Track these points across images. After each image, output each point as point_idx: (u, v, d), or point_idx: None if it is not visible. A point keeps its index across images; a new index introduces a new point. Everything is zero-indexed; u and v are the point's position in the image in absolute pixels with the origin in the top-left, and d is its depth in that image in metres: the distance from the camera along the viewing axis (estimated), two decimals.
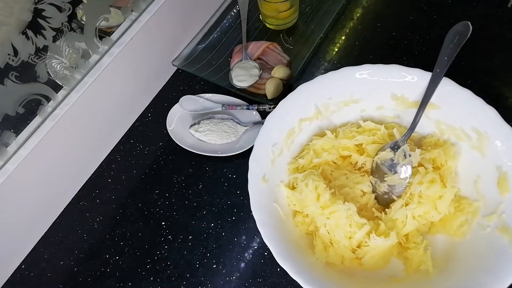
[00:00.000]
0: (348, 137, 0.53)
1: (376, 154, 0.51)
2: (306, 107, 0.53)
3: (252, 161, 0.48)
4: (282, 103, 0.51)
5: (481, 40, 0.64)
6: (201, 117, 0.64)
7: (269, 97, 0.64)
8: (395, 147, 0.50)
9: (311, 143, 0.54)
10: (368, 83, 0.52)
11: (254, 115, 0.64)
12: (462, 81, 0.48)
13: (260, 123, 0.62)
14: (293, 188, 0.51)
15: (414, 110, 0.49)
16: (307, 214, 0.49)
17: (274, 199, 0.49)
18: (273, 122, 0.50)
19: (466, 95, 0.48)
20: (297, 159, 0.53)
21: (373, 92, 0.52)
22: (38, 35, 0.46)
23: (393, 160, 0.49)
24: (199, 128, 0.62)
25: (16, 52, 0.44)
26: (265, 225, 0.44)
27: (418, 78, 0.50)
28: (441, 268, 0.45)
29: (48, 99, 0.52)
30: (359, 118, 0.55)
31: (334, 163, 0.55)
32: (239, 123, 0.63)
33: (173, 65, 0.68)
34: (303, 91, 0.52)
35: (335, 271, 0.46)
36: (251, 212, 0.45)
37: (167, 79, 0.71)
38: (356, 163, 0.54)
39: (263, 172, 0.49)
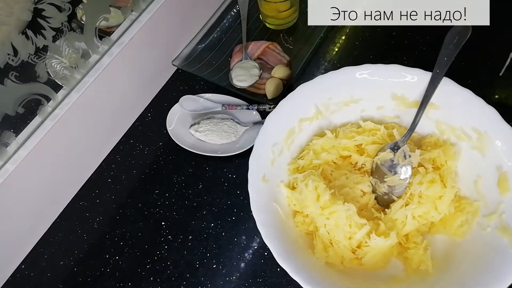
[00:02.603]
0: (348, 137, 0.53)
1: (376, 155, 0.51)
2: (306, 107, 0.53)
3: (252, 161, 0.48)
4: (282, 103, 0.51)
5: (481, 40, 0.64)
6: (201, 117, 0.64)
7: (269, 97, 0.64)
8: (395, 148, 0.50)
9: (311, 143, 0.54)
10: (368, 83, 0.51)
11: (254, 115, 0.64)
12: (462, 81, 0.48)
13: (260, 123, 0.62)
14: (293, 188, 0.51)
15: (414, 110, 0.49)
16: (307, 214, 0.49)
17: (274, 199, 0.49)
18: (273, 122, 0.50)
19: (466, 95, 0.48)
20: (297, 160, 0.53)
21: (373, 92, 0.52)
22: (38, 35, 0.46)
23: (393, 161, 0.49)
24: (199, 128, 0.62)
25: (16, 52, 0.44)
26: (265, 225, 0.44)
27: (418, 78, 0.50)
28: (441, 268, 0.45)
29: (48, 99, 0.52)
30: (359, 118, 0.55)
31: (334, 163, 0.54)
32: (239, 123, 0.63)
33: (173, 65, 0.68)
34: (303, 91, 0.51)
35: (335, 271, 0.46)
36: (251, 212, 0.45)
37: (167, 79, 0.71)
38: (356, 163, 0.54)
39: (263, 172, 0.48)
